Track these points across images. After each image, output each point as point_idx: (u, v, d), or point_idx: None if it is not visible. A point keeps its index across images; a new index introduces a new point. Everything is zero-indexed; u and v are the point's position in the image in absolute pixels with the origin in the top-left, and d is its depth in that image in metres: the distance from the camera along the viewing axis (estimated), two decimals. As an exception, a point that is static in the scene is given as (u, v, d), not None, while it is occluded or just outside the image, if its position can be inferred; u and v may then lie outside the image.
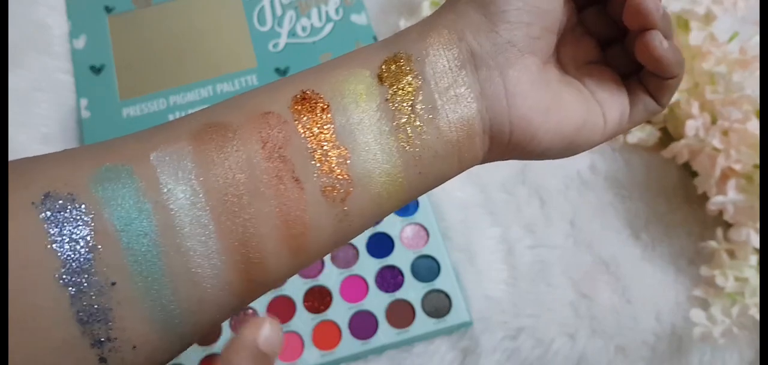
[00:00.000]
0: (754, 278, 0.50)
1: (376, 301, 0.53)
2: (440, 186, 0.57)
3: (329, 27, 0.66)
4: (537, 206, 0.58)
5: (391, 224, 0.56)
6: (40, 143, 0.59)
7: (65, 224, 0.24)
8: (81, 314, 0.24)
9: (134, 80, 0.62)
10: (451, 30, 0.30)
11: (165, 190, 0.25)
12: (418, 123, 0.29)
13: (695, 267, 0.54)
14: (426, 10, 0.62)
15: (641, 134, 0.58)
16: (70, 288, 0.23)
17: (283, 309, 0.52)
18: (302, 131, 0.28)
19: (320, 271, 0.54)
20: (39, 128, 0.60)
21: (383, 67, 0.30)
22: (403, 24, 0.63)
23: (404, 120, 0.29)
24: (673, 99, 0.56)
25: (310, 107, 0.28)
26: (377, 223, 0.56)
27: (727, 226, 0.54)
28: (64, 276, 0.23)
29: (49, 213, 0.24)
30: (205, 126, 0.27)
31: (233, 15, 0.66)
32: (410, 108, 0.29)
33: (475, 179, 0.59)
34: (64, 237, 0.24)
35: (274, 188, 0.27)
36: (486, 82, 0.30)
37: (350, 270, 0.54)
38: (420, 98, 0.29)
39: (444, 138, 0.30)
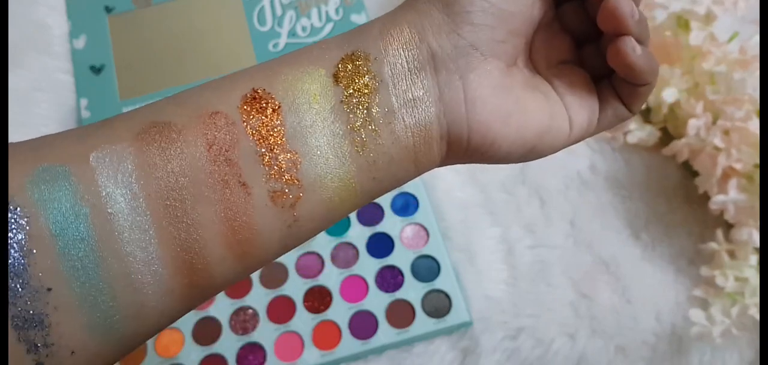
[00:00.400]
0: (754, 278, 0.50)
1: (376, 301, 0.53)
2: (440, 186, 0.58)
3: (329, 27, 0.66)
4: (537, 206, 0.57)
5: (391, 224, 0.56)
6: (40, 143, 0.59)
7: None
8: (16, 319, 0.23)
9: (134, 80, 0.62)
10: (413, 29, 0.29)
11: (104, 193, 0.25)
12: (373, 127, 0.28)
13: (695, 267, 0.54)
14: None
15: (641, 133, 0.58)
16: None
17: (283, 309, 0.52)
18: (251, 133, 0.27)
19: (320, 271, 0.54)
20: (39, 128, 0.60)
21: (340, 66, 0.29)
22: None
23: (359, 123, 0.28)
24: (674, 99, 0.56)
25: (260, 107, 0.27)
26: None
27: (728, 226, 0.54)
28: None
29: None
30: (149, 126, 0.26)
31: (233, 15, 0.66)
32: (366, 111, 0.28)
33: (475, 179, 0.58)
34: None
35: (220, 192, 0.26)
36: (445, 86, 0.29)
37: (350, 270, 0.54)
38: (376, 100, 0.29)
39: (400, 143, 0.29)
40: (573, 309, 0.53)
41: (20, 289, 0.23)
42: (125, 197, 0.25)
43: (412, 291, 0.53)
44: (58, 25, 0.66)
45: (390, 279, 0.54)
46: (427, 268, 0.54)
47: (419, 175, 0.31)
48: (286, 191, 0.27)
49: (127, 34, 0.65)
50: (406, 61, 0.29)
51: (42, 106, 0.61)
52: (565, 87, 0.32)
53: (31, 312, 0.23)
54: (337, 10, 0.67)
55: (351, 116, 0.28)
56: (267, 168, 0.27)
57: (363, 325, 0.52)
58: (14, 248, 0.23)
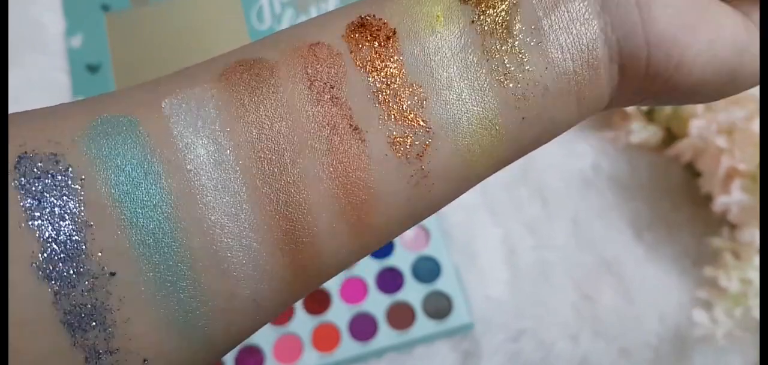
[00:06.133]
0: (758, 280, 0.49)
1: (376, 303, 0.52)
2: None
3: (328, 25, 0.66)
4: (539, 206, 0.57)
5: (391, 225, 0.55)
6: (36, 142, 0.59)
7: (46, 193, 0.18)
8: (69, 316, 0.18)
9: (131, 79, 0.62)
10: None
11: (180, 144, 0.19)
12: (517, 49, 0.22)
13: (699, 268, 0.54)
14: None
15: (644, 133, 0.58)
16: (53, 281, 0.18)
17: (282, 311, 0.52)
18: (361, 64, 0.21)
19: (319, 272, 0.53)
20: (35, 127, 0.59)
21: None
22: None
23: (498, 46, 0.22)
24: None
25: (371, 34, 0.22)
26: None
27: (731, 227, 0.53)
28: (43, 265, 0.18)
29: (23, 180, 0.18)
30: (235, 64, 0.21)
31: (231, 13, 0.66)
32: (505, 30, 0.22)
33: (476, 179, 0.58)
34: (43, 211, 0.18)
35: (326, 140, 0.21)
36: None
37: (350, 271, 0.53)
38: (517, 17, 0.22)
39: (556, 69, 0.23)
40: (575, 311, 0.52)
41: (74, 275, 0.18)
42: (208, 148, 0.20)
43: (413, 292, 0.52)
44: (54, 23, 0.65)
45: (390, 280, 0.53)
46: (427, 269, 0.54)
47: (583, 118, 0.24)
48: (410, 135, 0.22)
49: (124, 32, 0.64)
50: None
51: (37, 105, 0.61)
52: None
53: (90, 305, 0.18)
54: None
55: (487, 38, 0.22)
56: (384, 108, 0.21)
57: (363, 327, 0.51)
58: (65, 221, 0.18)
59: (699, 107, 0.54)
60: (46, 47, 0.64)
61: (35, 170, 0.18)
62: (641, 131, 0.58)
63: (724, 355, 0.50)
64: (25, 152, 0.18)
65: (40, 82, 0.62)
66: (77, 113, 0.20)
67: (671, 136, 0.58)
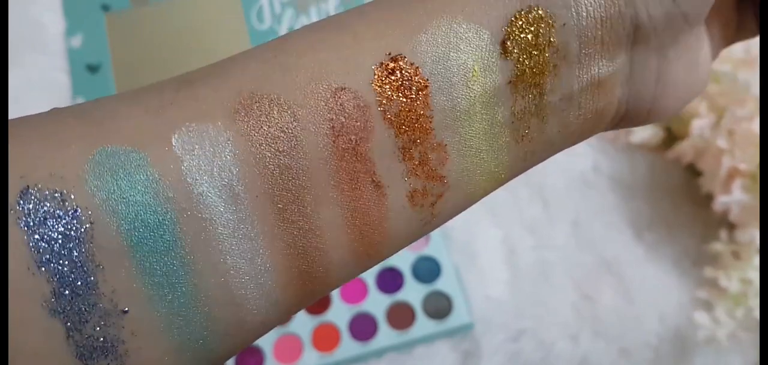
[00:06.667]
0: (758, 280, 0.49)
1: (376, 303, 0.52)
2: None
3: (328, 25, 0.66)
4: (539, 206, 0.57)
5: (391, 225, 0.55)
6: (36, 142, 0.58)
7: (55, 236, 0.18)
8: (82, 348, 0.18)
9: (131, 79, 0.62)
10: None
11: (195, 192, 0.19)
12: (541, 117, 0.22)
13: (699, 269, 0.54)
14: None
15: (645, 133, 0.58)
16: (66, 319, 0.18)
17: (281, 311, 0.52)
18: (389, 120, 0.20)
19: (319, 272, 0.53)
20: (35, 127, 0.59)
21: (510, 29, 0.21)
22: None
23: (527, 109, 0.22)
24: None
25: (402, 84, 0.20)
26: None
27: (732, 227, 0.53)
28: (55, 305, 0.18)
29: (30, 221, 0.17)
30: (248, 99, 0.20)
31: (231, 13, 0.66)
32: (538, 97, 0.22)
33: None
34: (53, 254, 0.18)
35: (348, 193, 0.20)
36: (639, 64, 0.23)
37: (350, 271, 0.53)
38: (555, 84, 0.22)
39: (567, 130, 0.23)
40: (575, 311, 0.52)
41: (86, 312, 0.18)
42: (225, 199, 0.19)
43: (413, 292, 0.52)
44: (54, 23, 0.65)
45: (390, 280, 0.53)
46: (427, 269, 0.54)
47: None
48: (429, 190, 0.22)
49: (124, 32, 0.64)
50: (602, 32, 0.21)
51: (37, 105, 0.60)
52: (712, 15, 0.25)
53: (102, 339, 0.18)
54: (337, 8, 0.67)
55: (518, 99, 0.22)
56: (408, 164, 0.21)
57: (363, 327, 0.51)
58: (76, 263, 0.18)
59: (700, 107, 0.54)
60: (46, 47, 0.64)
61: (41, 211, 0.18)
62: (641, 131, 0.58)
63: (725, 356, 0.50)
64: (28, 187, 0.18)
65: (40, 82, 0.62)
66: (78, 139, 0.19)
67: (671, 136, 0.58)
